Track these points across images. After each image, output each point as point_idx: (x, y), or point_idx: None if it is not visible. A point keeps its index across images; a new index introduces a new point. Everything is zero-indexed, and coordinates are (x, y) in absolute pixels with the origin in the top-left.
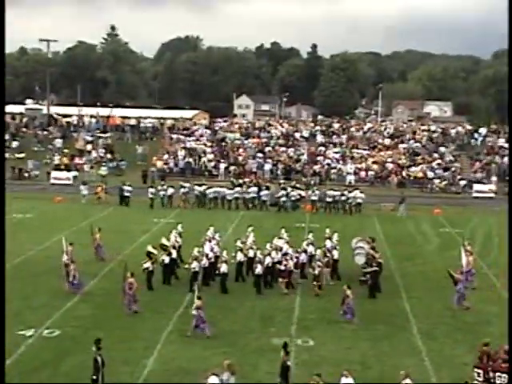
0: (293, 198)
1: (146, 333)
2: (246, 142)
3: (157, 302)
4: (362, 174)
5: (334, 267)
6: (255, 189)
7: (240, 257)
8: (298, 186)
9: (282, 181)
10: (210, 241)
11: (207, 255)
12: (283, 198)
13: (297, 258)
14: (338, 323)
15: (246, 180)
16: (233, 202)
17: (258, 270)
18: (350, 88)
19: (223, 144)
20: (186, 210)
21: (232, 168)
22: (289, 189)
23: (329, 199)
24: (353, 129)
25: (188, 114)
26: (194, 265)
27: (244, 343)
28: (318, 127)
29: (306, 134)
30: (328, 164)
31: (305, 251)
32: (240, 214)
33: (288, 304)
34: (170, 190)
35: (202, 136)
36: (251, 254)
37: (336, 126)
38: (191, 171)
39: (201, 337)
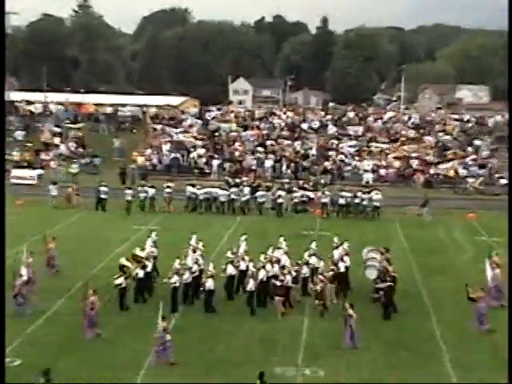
0: (296, 200)
1: (123, 360)
2: (243, 134)
3: (133, 325)
4: (382, 171)
5: (342, 281)
6: (248, 189)
7: (230, 270)
8: (305, 186)
9: (285, 180)
10: (194, 251)
11: (190, 268)
12: (280, 200)
13: (297, 271)
14: (352, 349)
15: (245, 179)
16: (227, 204)
17: (250, 285)
18: (368, 69)
19: (216, 136)
20: (173, 215)
21: (227, 165)
22: (295, 189)
23: (342, 201)
24: (371, 118)
25: (174, 100)
26: (175, 279)
27: (243, 375)
28: (329, 116)
29: (315, 124)
30: (341, 160)
31: (306, 263)
32: (237, 220)
33: (293, 327)
34: (152, 191)
35: (191, 127)
36: (243, 266)
37: (351, 114)
38: (178, 169)
39: (189, 365)
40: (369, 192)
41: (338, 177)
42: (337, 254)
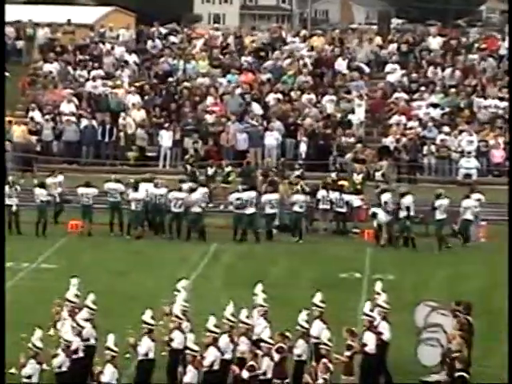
0: (324, 206)
1: None
2: (222, 81)
3: None
4: (498, 154)
5: (369, 372)
6: (252, 194)
7: (145, 344)
8: (343, 183)
9: (298, 172)
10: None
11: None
12: (297, 209)
13: (281, 350)
14: None
15: (228, 169)
16: (191, 220)
17: (187, 378)
18: None
19: (169, 87)
20: (85, 239)
21: (189, 142)
22: (322, 192)
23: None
24: (474, 50)
25: (88, 14)
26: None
27: None
28: (391, 46)
29: (363, 62)
30: (417, 134)
31: (305, 335)
32: (210, 251)
33: None
34: (42, 195)
35: (119, 67)
36: (177, 338)
37: (435, 41)
38: (95, 149)
39: None
40: (467, 196)
41: (410, 168)
42: (368, 310)
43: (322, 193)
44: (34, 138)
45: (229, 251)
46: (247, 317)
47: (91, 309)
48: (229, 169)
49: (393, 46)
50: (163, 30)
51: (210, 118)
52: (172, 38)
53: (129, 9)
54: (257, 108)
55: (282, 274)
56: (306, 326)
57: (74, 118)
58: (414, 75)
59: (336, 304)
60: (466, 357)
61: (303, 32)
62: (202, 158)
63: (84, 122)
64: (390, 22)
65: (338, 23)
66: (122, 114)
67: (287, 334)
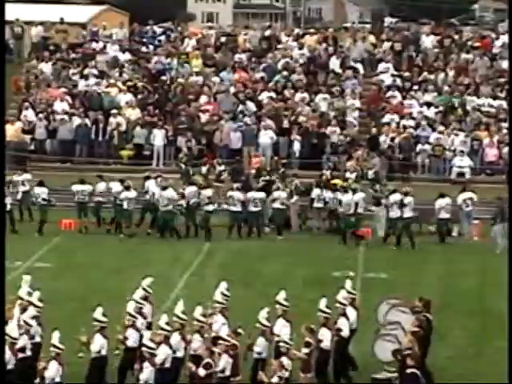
0: (318, 205)
1: None
2: (215, 79)
3: None
4: (491, 153)
5: (322, 369)
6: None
7: (98, 342)
8: (335, 182)
9: (295, 171)
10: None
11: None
12: (278, 205)
13: (229, 354)
14: None
15: (221, 168)
16: (185, 219)
17: (144, 375)
18: None
19: (162, 86)
20: (78, 238)
21: (182, 141)
22: (316, 190)
23: (405, 214)
24: (467, 47)
25: (83, 12)
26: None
27: None
28: (385, 44)
29: (357, 60)
30: (410, 132)
31: (267, 333)
32: (203, 250)
33: None
34: (41, 192)
35: (112, 66)
36: (132, 336)
37: (428, 40)
38: (89, 149)
39: None
40: (441, 195)
41: (403, 167)
42: (323, 306)
43: (316, 191)
44: (27, 137)
45: (222, 249)
46: (203, 315)
47: (37, 306)
48: (221, 168)
49: (386, 45)
50: (157, 29)
51: (203, 117)
52: (165, 37)
53: (122, 7)
54: (250, 107)
55: (276, 272)
56: (266, 323)
57: (67, 117)
58: (408, 74)
59: (329, 302)
60: (417, 354)
61: (296, 31)
62: (195, 157)
63: (77, 121)
64: (384, 21)
65: (332, 22)
66: (113, 112)
67: (239, 330)
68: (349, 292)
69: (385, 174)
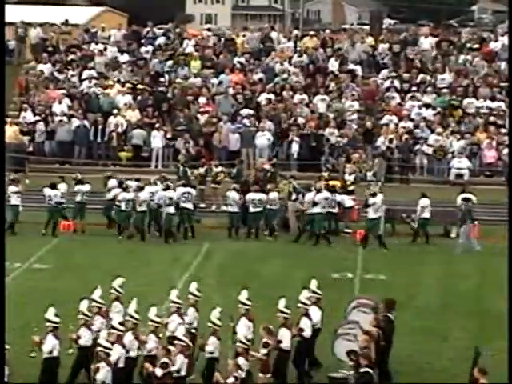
0: (320, 210)
1: None
2: (214, 81)
3: None
4: (490, 154)
5: (280, 370)
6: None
7: (50, 343)
8: (334, 183)
9: (293, 172)
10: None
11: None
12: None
13: (184, 354)
14: None
15: (218, 170)
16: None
17: (100, 375)
18: None
19: (161, 87)
20: (77, 239)
21: (180, 143)
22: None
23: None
24: (468, 44)
25: (82, 13)
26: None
27: None
28: (382, 46)
29: (356, 62)
30: (408, 132)
31: (217, 331)
32: (202, 251)
33: None
34: (53, 194)
35: (112, 68)
36: (85, 336)
37: (426, 41)
38: (87, 150)
39: None
40: (423, 195)
41: (402, 168)
42: (282, 307)
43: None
44: (26, 139)
45: (221, 251)
46: (157, 315)
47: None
48: (218, 169)
49: (385, 46)
50: (155, 30)
51: (202, 118)
52: (164, 39)
53: (121, 9)
54: (247, 110)
55: (274, 273)
56: (218, 323)
57: (66, 119)
58: (406, 75)
59: (328, 304)
60: (370, 353)
61: (295, 32)
62: (193, 159)
63: (76, 122)
64: (382, 23)
65: (330, 23)
66: (114, 113)
67: (193, 331)
68: (313, 292)
69: (382, 173)
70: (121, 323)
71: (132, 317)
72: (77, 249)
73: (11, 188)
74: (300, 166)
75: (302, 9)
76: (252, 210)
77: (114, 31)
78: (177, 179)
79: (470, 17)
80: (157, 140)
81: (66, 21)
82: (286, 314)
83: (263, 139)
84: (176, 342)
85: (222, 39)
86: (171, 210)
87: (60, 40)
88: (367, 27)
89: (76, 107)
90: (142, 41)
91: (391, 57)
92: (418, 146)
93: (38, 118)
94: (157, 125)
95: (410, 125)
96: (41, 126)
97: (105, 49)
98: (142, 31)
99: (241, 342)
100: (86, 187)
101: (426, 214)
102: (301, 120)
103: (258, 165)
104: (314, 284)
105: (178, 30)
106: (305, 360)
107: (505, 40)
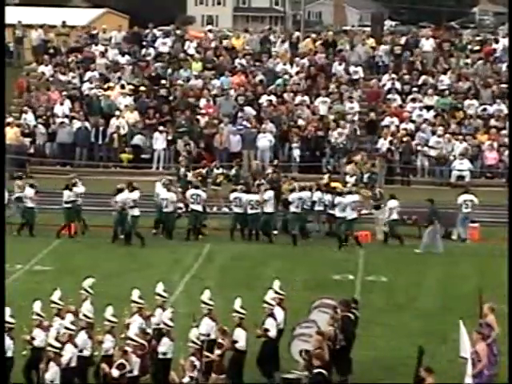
0: (319, 208)
1: None
2: (215, 83)
3: None
4: (491, 156)
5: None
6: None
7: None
8: (334, 184)
9: (294, 174)
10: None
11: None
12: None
13: (137, 353)
14: None
15: (218, 172)
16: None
17: (49, 375)
18: None
19: (162, 89)
20: (78, 241)
21: (181, 144)
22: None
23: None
24: (469, 46)
25: (83, 15)
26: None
27: None
28: (383, 47)
29: (357, 64)
30: (409, 134)
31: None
32: (204, 252)
33: None
34: (30, 192)
35: (113, 70)
36: (38, 336)
37: (427, 43)
38: (88, 152)
39: None
40: (392, 197)
41: (403, 170)
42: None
43: (317, 195)
44: (27, 140)
45: (222, 253)
46: (113, 315)
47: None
48: (218, 171)
49: (386, 48)
50: (156, 32)
51: (203, 120)
52: (165, 40)
53: (122, 11)
54: (250, 110)
55: (275, 275)
56: (170, 323)
57: (67, 120)
58: (407, 77)
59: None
60: (323, 354)
61: (296, 34)
62: (194, 160)
63: (77, 124)
64: (383, 24)
65: (332, 25)
66: (116, 114)
67: (148, 331)
68: (276, 292)
69: (383, 173)
70: (72, 322)
71: (85, 315)
72: (77, 251)
73: (28, 191)
74: (301, 167)
75: (303, 11)
76: (250, 211)
77: (114, 33)
78: (177, 181)
79: (470, 19)
80: (158, 142)
81: (62, 22)
82: (242, 314)
83: (264, 141)
84: (128, 341)
85: (223, 41)
86: (136, 212)
87: (61, 42)
88: (368, 29)
89: (77, 109)
90: (143, 43)
91: (392, 59)
92: (418, 148)
93: (39, 120)
94: (160, 127)
95: (410, 126)
96: (40, 129)
97: (106, 50)
98: (142, 33)
99: (193, 342)
100: (81, 189)
101: (394, 216)
102: (302, 122)
103: (255, 166)
104: (276, 285)
105: (179, 32)
106: (270, 360)
107: (505, 42)
